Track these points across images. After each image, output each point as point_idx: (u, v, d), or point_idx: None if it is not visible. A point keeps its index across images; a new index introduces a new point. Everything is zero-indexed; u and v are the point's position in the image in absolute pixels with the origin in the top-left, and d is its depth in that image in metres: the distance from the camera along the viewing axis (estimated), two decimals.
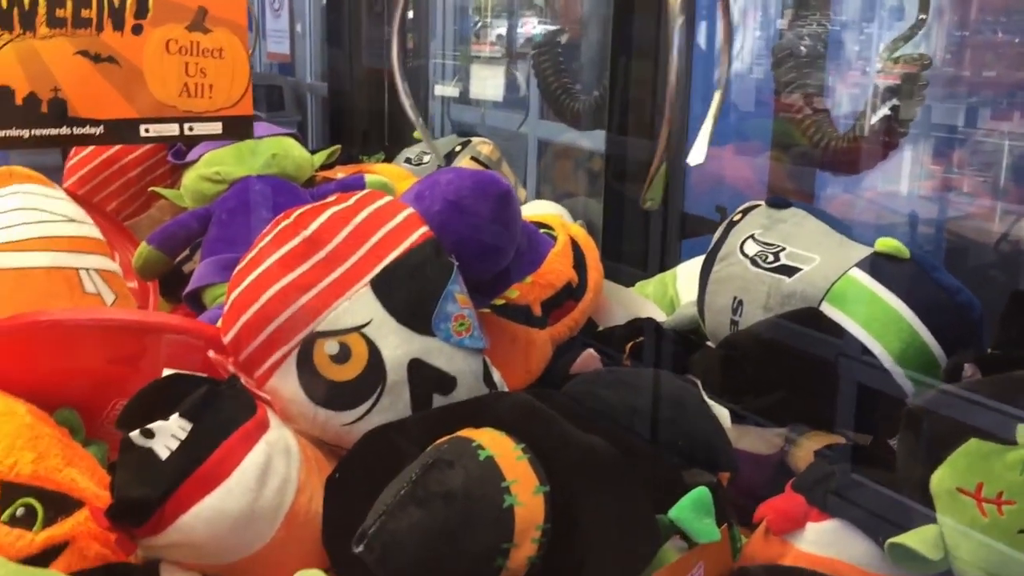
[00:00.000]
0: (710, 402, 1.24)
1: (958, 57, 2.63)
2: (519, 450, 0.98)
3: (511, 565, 0.94)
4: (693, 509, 0.98)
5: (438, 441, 1.00)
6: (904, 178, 2.61)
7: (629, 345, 1.54)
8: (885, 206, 2.59)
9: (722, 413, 1.26)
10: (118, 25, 1.40)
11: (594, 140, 2.96)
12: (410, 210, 1.17)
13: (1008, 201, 2.54)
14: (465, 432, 1.00)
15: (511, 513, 0.93)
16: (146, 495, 0.93)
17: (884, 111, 1.80)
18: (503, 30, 4.23)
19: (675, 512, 0.99)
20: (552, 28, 3.03)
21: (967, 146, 2.71)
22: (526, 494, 0.94)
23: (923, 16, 1.63)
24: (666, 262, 2.23)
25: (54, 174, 1.73)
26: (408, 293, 1.12)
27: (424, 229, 1.16)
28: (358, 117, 3.51)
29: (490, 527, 0.92)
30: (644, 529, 0.97)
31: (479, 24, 4.56)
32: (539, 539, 0.95)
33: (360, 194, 1.20)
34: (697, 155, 1.30)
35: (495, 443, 0.97)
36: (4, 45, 1.34)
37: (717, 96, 1.32)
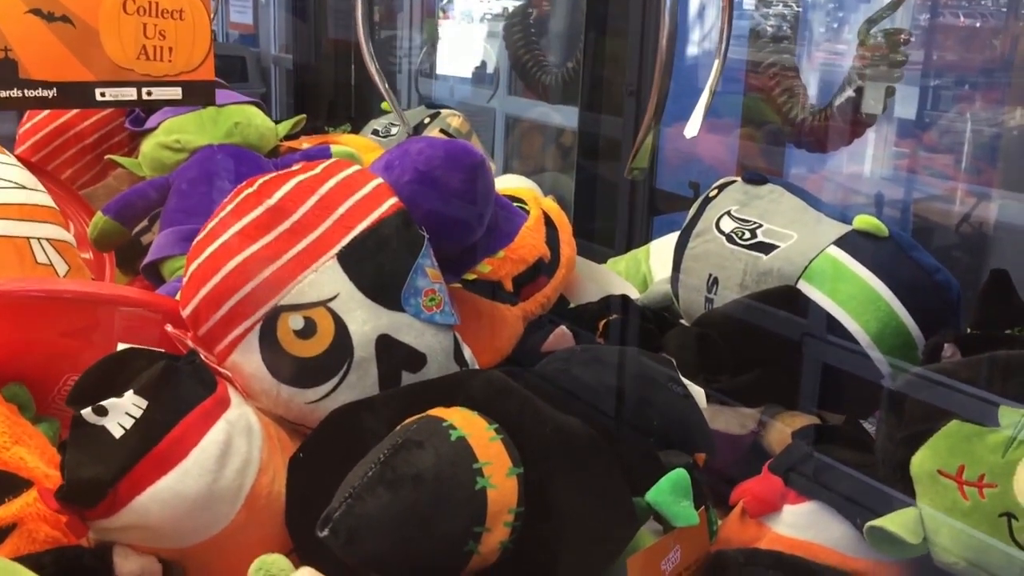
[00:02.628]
0: (686, 381, 1.22)
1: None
2: (492, 430, 0.94)
3: (483, 550, 0.90)
4: (671, 492, 0.95)
5: (407, 420, 0.96)
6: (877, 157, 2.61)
7: (602, 322, 1.51)
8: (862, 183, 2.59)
9: (697, 392, 1.23)
10: None
11: (564, 115, 2.93)
12: (379, 180, 1.13)
13: (971, 182, 2.55)
14: (436, 411, 0.97)
15: (483, 496, 0.90)
16: (99, 475, 0.88)
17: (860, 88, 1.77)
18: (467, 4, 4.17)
19: (652, 495, 0.96)
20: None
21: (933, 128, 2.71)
22: (499, 476, 0.91)
23: None
24: (637, 238, 2.21)
25: (6, 143, 1.67)
26: (377, 266, 1.08)
27: (394, 200, 1.11)
28: (324, 88, 3.45)
29: (461, 510, 0.89)
30: (621, 512, 0.94)
31: None
32: (512, 523, 0.91)
33: (327, 163, 1.15)
34: (692, 128, 1.26)
35: (467, 423, 0.94)
36: None
37: (716, 67, 1.27)
